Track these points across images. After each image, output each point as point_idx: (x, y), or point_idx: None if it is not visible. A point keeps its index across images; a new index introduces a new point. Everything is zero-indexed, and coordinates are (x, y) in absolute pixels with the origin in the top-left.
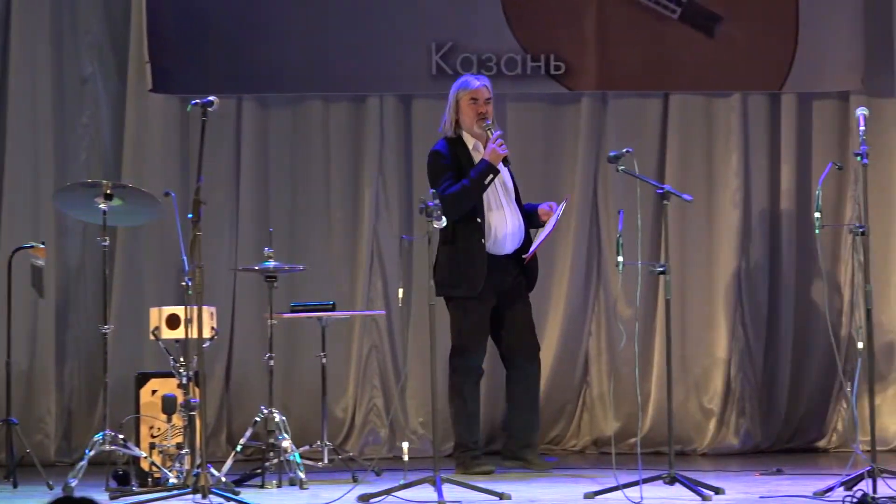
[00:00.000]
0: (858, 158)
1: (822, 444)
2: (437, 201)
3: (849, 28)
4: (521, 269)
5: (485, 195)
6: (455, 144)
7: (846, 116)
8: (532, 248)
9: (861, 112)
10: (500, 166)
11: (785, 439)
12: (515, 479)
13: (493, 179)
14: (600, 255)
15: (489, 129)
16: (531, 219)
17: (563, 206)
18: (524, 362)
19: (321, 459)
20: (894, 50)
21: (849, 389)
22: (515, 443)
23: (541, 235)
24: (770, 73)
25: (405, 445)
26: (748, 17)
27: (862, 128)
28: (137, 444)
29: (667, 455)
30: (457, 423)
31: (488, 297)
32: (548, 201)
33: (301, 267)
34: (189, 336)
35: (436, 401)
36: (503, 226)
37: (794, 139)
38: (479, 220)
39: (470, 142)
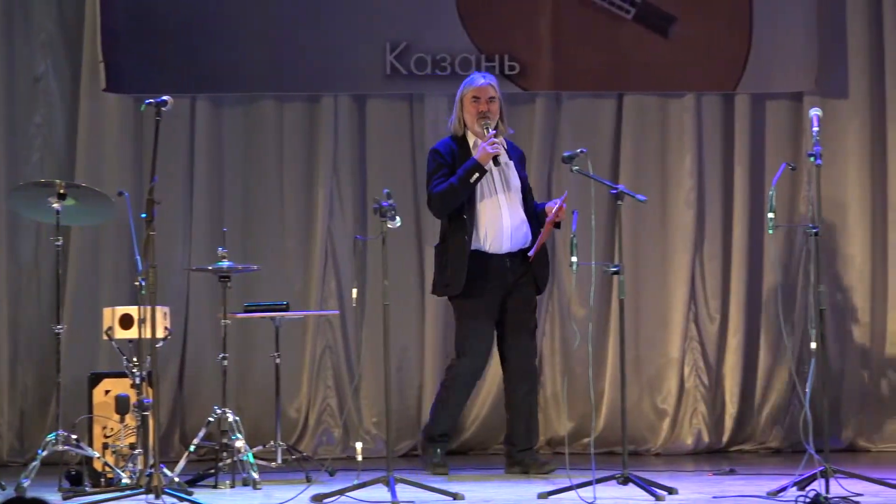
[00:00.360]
0: (812, 159)
1: (775, 444)
2: (391, 201)
3: (802, 29)
4: (527, 268)
5: (478, 192)
6: (458, 142)
7: (800, 117)
8: (535, 246)
9: (814, 113)
10: (506, 164)
11: (738, 439)
12: (469, 480)
13: (479, 178)
14: (554, 256)
15: (487, 128)
16: (540, 219)
17: (561, 200)
18: (517, 370)
19: (275, 459)
20: (847, 51)
21: (802, 389)
22: (515, 449)
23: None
24: (724, 73)
25: (359, 445)
26: (702, 17)
27: (815, 128)
28: (90, 445)
29: (620, 455)
30: (434, 409)
31: (487, 298)
32: (554, 199)
33: (255, 267)
34: (142, 336)
35: (389, 401)
36: (498, 223)
37: (747, 139)
38: (464, 217)
39: (472, 140)
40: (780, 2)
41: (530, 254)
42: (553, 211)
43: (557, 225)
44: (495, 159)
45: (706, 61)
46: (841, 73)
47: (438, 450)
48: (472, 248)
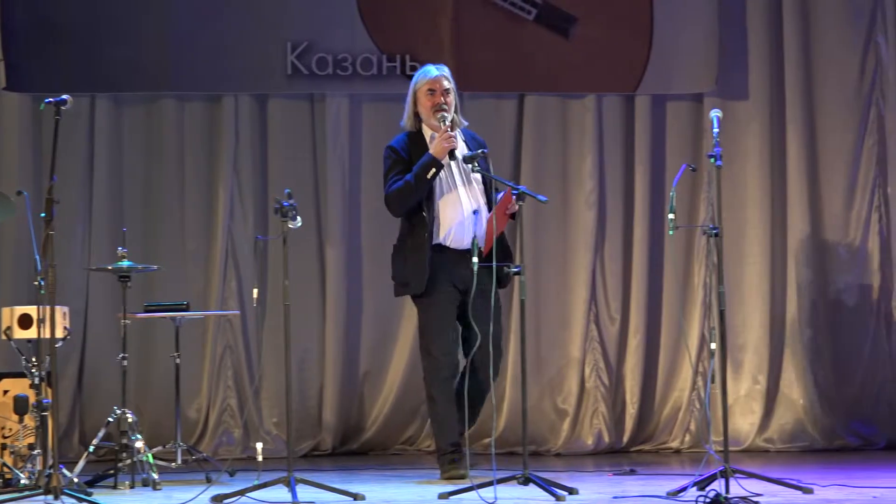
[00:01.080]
0: (712, 160)
1: (675, 444)
2: (291, 201)
3: (703, 31)
4: (488, 263)
5: (438, 187)
6: (413, 138)
7: (700, 118)
8: (486, 240)
9: (714, 114)
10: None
11: (638, 439)
12: (370, 480)
13: (436, 174)
14: None
15: (443, 121)
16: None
17: (501, 195)
18: (473, 373)
19: (174, 460)
20: (748, 53)
21: (702, 390)
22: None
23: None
24: (625, 74)
25: (259, 446)
26: (603, 18)
27: (715, 129)
28: None
29: (521, 455)
30: (432, 426)
31: (450, 292)
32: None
33: (155, 267)
34: (42, 336)
35: (290, 401)
36: (459, 217)
37: (648, 140)
38: (423, 213)
39: (428, 134)
40: (680, 4)
41: (484, 248)
42: (500, 200)
43: (513, 216)
44: (451, 153)
45: (607, 62)
46: (741, 75)
47: (454, 458)
48: (434, 243)
